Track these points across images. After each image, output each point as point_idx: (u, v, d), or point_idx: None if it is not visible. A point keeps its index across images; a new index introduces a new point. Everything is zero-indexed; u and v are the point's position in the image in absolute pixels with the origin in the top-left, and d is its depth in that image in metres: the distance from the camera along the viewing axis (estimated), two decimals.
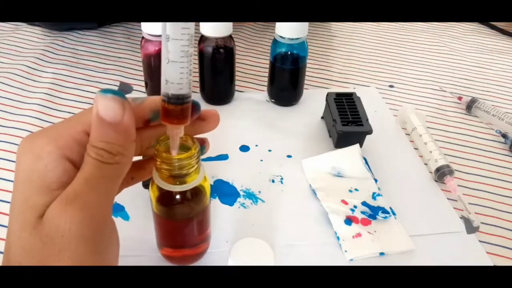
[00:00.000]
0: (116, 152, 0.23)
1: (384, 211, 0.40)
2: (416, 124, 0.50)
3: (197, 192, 0.29)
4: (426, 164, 0.46)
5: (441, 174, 0.44)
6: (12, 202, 0.22)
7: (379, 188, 0.42)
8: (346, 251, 0.36)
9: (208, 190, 0.30)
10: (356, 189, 0.42)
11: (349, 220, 0.38)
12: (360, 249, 0.36)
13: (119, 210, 0.39)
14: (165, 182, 0.28)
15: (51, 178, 0.22)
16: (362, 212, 0.39)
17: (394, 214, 0.39)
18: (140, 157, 0.29)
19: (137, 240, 0.36)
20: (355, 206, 0.40)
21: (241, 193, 0.41)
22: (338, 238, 0.37)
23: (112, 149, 0.22)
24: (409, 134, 0.51)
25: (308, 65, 0.54)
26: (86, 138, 0.23)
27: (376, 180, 0.43)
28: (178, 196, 0.29)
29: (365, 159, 0.45)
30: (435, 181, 0.44)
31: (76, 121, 0.24)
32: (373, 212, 0.39)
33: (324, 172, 0.44)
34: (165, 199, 0.29)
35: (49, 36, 0.67)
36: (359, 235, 0.37)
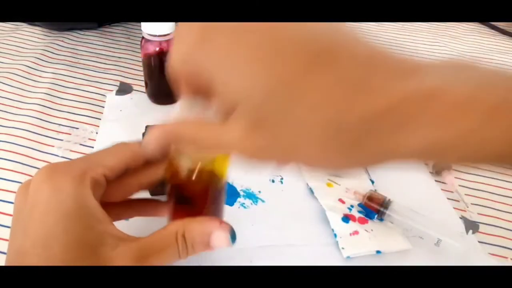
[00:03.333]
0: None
1: None
2: None
3: (213, 175, 0.30)
4: (426, 164, 0.46)
5: (439, 169, 0.44)
6: (38, 229, 0.24)
7: (375, 190, 0.42)
8: (343, 248, 0.36)
9: (225, 172, 0.30)
10: None
11: (346, 218, 0.38)
12: (357, 247, 0.36)
13: None
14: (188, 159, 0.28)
15: (97, 215, 0.25)
16: (359, 211, 0.39)
17: None
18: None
19: None
20: (352, 206, 0.40)
21: (241, 193, 0.41)
22: (335, 235, 0.37)
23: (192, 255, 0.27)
24: None
25: None
26: (104, 180, 0.27)
27: (372, 182, 0.43)
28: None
29: None
30: (430, 172, 0.45)
31: (96, 163, 0.27)
32: (369, 214, 0.39)
33: None
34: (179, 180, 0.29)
35: (49, 36, 0.67)
36: (356, 232, 0.37)
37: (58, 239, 0.23)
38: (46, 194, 0.25)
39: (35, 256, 0.23)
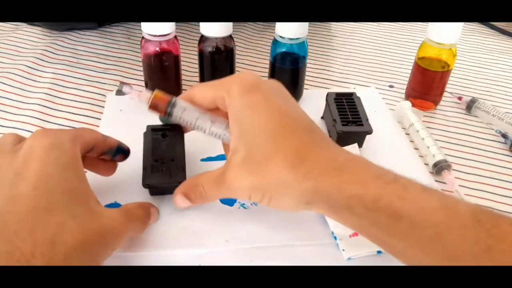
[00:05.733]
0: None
1: None
2: (413, 120, 0.50)
3: None
4: (426, 164, 0.46)
5: (439, 168, 0.44)
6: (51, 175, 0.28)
7: None
8: (343, 250, 0.36)
9: None
10: None
11: None
12: (357, 248, 0.36)
13: None
14: None
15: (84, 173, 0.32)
16: None
17: None
18: None
19: (136, 239, 0.36)
20: None
21: None
22: (335, 238, 0.37)
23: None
24: (405, 128, 0.51)
25: (308, 65, 0.54)
26: (84, 149, 0.33)
27: None
28: None
29: None
30: (430, 172, 0.45)
31: (81, 135, 0.33)
32: None
33: None
34: None
35: (49, 36, 0.67)
36: (356, 234, 0.37)
37: (58, 185, 0.28)
38: (47, 147, 0.29)
39: (36, 198, 0.27)
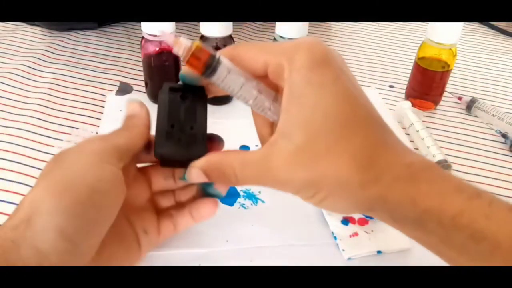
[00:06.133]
0: None
1: None
2: (413, 120, 0.50)
3: None
4: None
5: None
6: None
7: None
8: (343, 250, 0.36)
9: None
10: None
11: (346, 221, 0.38)
12: (357, 248, 0.36)
13: None
14: None
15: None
16: None
17: None
18: None
19: None
20: None
21: (241, 193, 0.41)
22: (335, 237, 0.37)
23: None
24: (405, 128, 0.51)
25: None
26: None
27: None
28: None
29: None
30: None
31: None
32: None
33: None
34: None
35: (49, 36, 0.67)
36: (355, 234, 0.37)
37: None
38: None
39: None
